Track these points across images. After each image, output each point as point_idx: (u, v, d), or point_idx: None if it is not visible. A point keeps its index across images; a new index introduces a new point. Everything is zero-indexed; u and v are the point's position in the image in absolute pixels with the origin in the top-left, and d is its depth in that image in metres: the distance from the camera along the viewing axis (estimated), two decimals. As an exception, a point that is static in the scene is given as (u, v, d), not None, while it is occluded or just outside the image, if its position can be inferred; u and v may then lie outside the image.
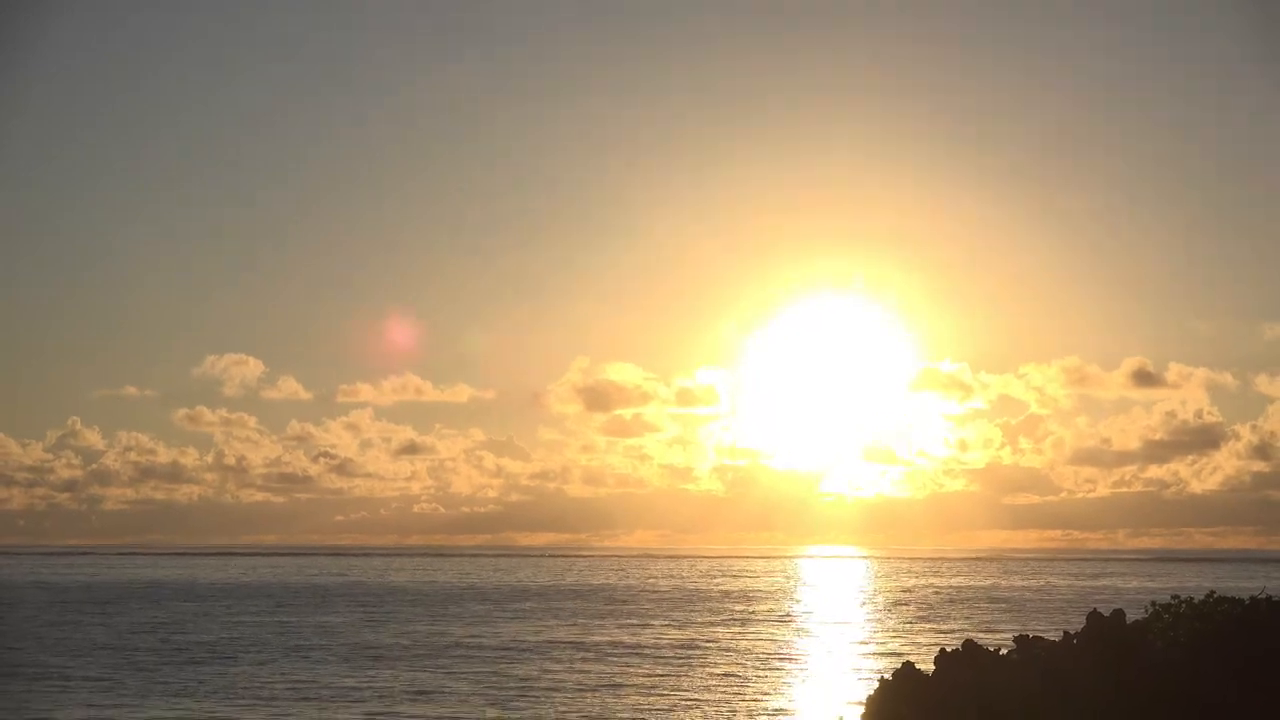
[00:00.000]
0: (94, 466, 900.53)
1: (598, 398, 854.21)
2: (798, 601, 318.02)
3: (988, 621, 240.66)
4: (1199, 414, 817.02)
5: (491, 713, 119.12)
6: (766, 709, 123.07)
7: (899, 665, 63.21)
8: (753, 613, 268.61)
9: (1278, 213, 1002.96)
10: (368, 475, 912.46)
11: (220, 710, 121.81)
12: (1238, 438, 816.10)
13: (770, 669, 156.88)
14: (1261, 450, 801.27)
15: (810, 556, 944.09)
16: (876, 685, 62.80)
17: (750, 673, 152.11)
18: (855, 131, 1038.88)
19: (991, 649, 62.41)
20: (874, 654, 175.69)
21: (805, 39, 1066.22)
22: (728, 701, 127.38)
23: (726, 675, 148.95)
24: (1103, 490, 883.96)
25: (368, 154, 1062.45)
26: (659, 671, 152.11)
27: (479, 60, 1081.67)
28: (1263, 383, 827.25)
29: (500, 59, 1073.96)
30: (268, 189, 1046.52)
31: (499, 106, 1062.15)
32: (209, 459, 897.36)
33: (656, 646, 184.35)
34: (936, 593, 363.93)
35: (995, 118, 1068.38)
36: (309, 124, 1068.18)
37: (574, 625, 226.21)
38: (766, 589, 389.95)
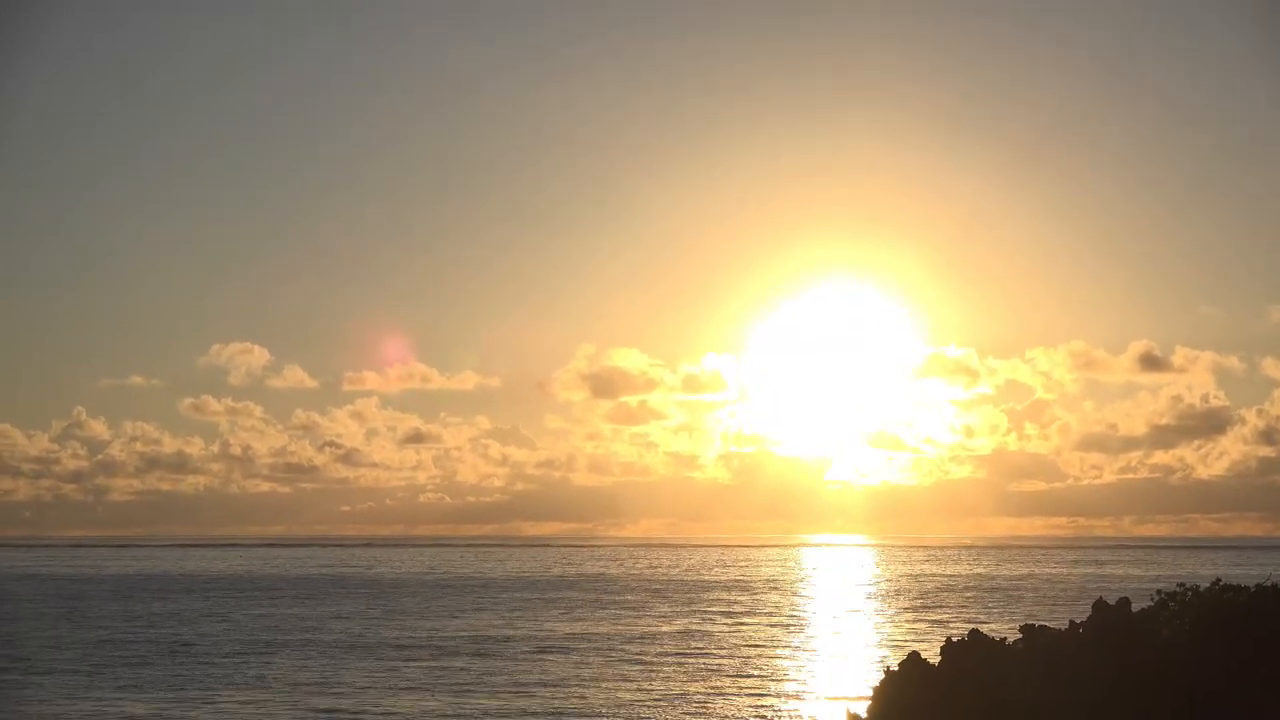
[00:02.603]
0: (100, 457, 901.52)
1: (603, 384, 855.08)
2: (803, 591, 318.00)
3: (994, 610, 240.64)
4: (1205, 398, 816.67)
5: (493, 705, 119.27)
6: (772, 700, 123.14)
7: (905, 655, 63.29)
8: (757, 603, 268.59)
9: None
10: (373, 465, 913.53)
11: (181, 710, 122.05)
12: (1244, 422, 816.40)
13: (775, 659, 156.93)
14: (1268, 435, 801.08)
15: (816, 545, 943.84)
16: (883, 675, 62.91)
17: (756, 664, 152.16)
18: (861, 116, 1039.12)
19: (998, 638, 62.50)
20: (880, 644, 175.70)
21: (810, 23, 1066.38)
22: (732, 693, 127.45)
23: (731, 667, 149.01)
24: (1109, 476, 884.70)
25: (373, 144, 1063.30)
26: (661, 663, 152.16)
27: (482, 50, 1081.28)
28: (1270, 366, 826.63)
29: (502, 48, 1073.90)
30: (273, 179, 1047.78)
31: (503, 95, 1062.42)
32: (214, 449, 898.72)
33: (658, 637, 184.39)
34: (942, 581, 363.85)
35: (1002, 102, 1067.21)
36: (314, 115, 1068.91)
37: (576, 616, 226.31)
38: (772, 578, 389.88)
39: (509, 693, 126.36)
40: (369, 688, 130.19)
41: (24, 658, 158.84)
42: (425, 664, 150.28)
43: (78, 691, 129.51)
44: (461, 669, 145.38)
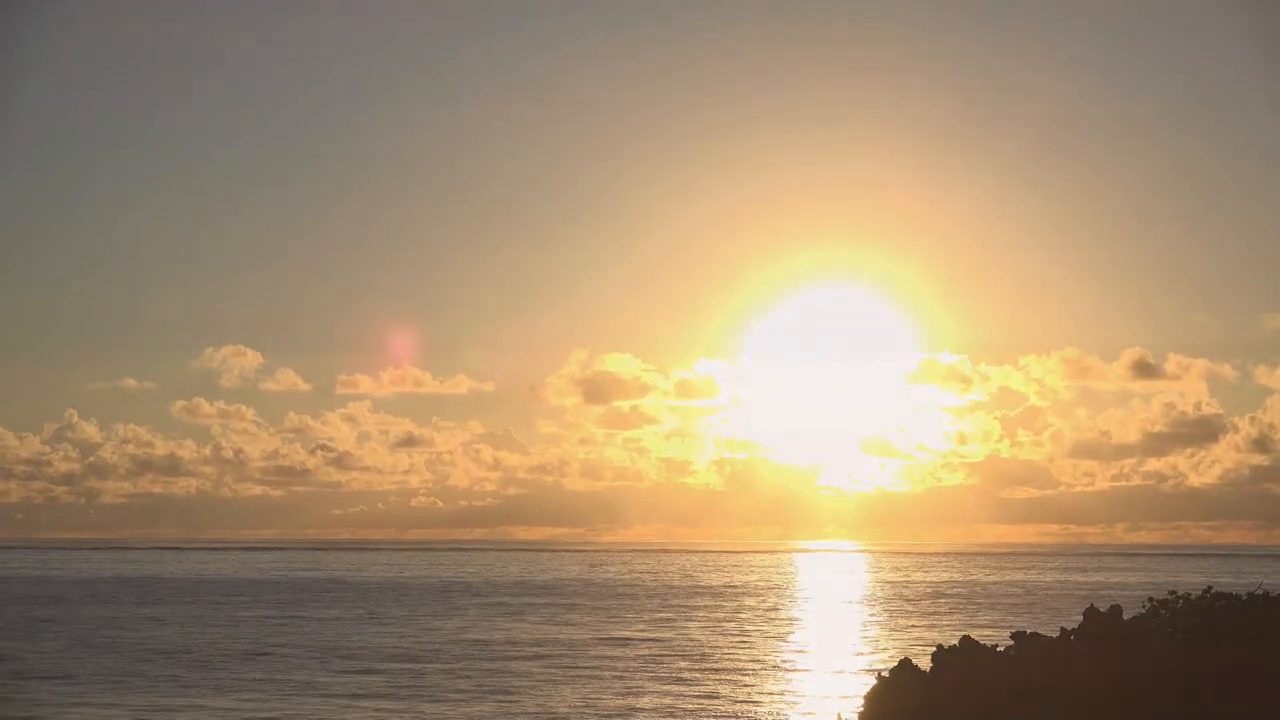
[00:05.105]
0: (91, 459, 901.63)
1: (596, 390, 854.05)
2: (795, 597, 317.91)
3: (986, 617, 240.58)
4: (1198, 406, 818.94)
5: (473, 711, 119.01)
6: (764, 707, 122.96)
7: (897, 662, 63.20)
8: (748, 608, 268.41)
9: (1277, 204, 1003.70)
10: (365, 469, 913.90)
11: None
12: (1237, 430, 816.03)
13: (768, 666, 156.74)
14: (1260, 443, 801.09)
15: (809, 551, 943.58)
16: (875, 682, 62.81)
17: (746, 670, 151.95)
18: (856, 123, 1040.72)
19: (990, 645, 62.41)
20: (872, 650, 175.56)
21: (805, 30, 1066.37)
22: (724, 699, 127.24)
23: (720, 672, 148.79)
24: (1101, 484, 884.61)
25: (367, 148, 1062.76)
26: (649, 670, 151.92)
27: (478, 55, 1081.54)
28: (1262, 374, 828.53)
29: (498, 54, 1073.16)
30: (267, 182, 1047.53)
31: (497, 100, 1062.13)
32: (206, 452, 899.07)
33: (646, 644, 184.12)
34: (934, 588, 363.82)
35: (996, 109, 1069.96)
36: (309, 119, 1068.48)
37: (564, 621, 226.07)
38: (763, 584, 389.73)
39: (474, 700, 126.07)
40: (335, 695, 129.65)
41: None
42: (394, 670, 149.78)
43: (47, 696, 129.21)
44: (431, 675, 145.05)
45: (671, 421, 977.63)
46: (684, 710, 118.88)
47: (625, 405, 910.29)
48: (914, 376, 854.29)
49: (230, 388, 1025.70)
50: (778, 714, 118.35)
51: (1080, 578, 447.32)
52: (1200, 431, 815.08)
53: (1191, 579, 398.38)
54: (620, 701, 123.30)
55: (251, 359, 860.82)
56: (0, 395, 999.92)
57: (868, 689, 63.02)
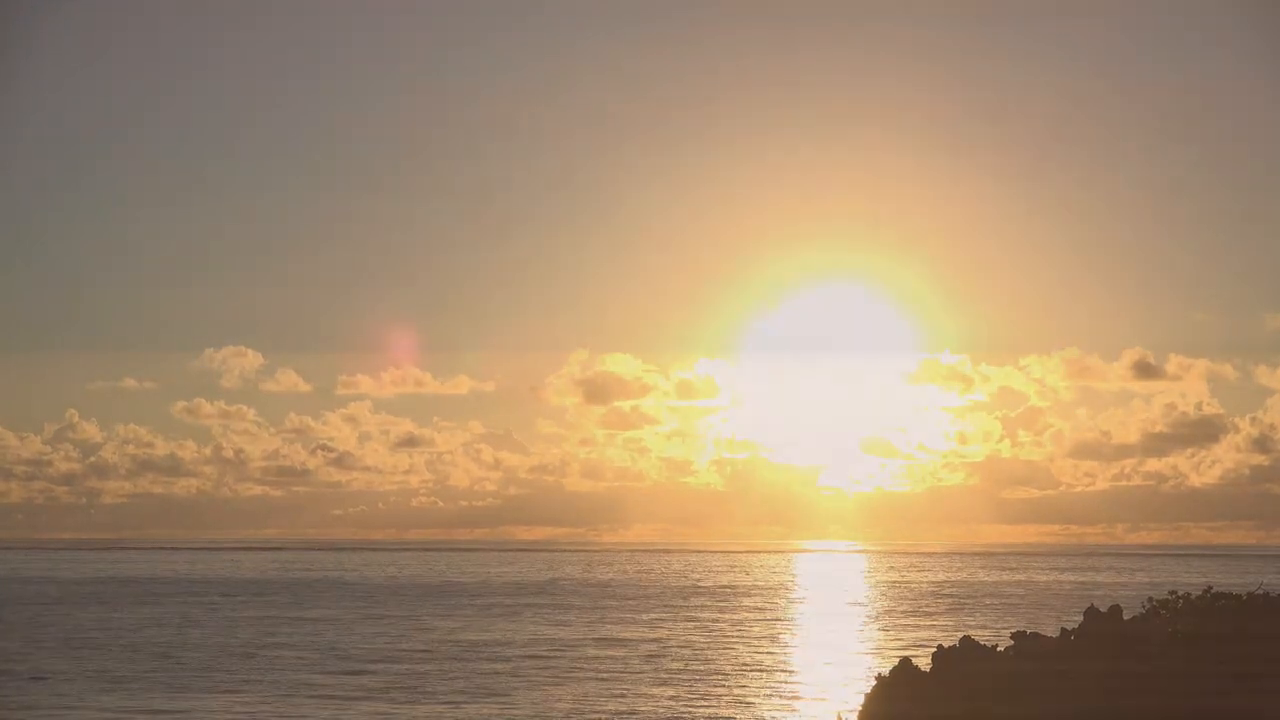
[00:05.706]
0: (92, 459, 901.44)
1: (597, 390, 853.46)
2: (795, 597, 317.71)
3: (986, 617, 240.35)
4: (1199, 406, 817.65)
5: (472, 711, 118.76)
6: (763, 707, 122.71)
7: (897, 662, 62.99)
8: (748, 608, 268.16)
9: (1277, 204, 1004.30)
10: (366, 469, 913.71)
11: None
12: (1237, 430, 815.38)
13: (766, 666, 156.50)
14: (1261, 443, 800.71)
15: (809, 551, 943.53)
16: (874, 682, 62.61)
17: (746, 670, 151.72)
18: (856, 122, 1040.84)
19: (990, 645, 62.21)
20: (872, 651, 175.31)
21: (807, 30, 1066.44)
22: (723, 700, 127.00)
23: (721, 673, 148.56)
24: (1102, 484, 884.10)
25: (368, 148, 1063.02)
26: (647, 671, 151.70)
27: (478, 55, 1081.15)
28: (1263, 374, 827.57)
29: (498, 54, 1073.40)
30: (268, 181, 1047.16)
31: (497, 100, 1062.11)
32: (207, 452, 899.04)
33: (644, 644, 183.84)
34: (934, 588, 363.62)
35: (996, 109, 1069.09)
36: (310, 118, 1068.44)
37: (568, 623, 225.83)
38: (762, 584, 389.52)
39: (470, 700, 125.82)
40: (332, 695, 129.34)
41: None
42: (391, 671, 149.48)
43: (44, 698, 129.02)
44: (427, 676, 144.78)
45: (672, 422, 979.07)
46: (682, 711, 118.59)
47: (626, 405, 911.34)
48: (914, 376, 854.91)
49: (231, 388, 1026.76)
50: (777, 715, 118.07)
51: (1080, 578, 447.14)
52: (1201, 432, 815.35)
53: (1191, 579, 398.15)
54: (617, 703, 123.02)
55: (252, 359, 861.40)
56: (0, 395, 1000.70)
57: (867, 689, 62.79)
